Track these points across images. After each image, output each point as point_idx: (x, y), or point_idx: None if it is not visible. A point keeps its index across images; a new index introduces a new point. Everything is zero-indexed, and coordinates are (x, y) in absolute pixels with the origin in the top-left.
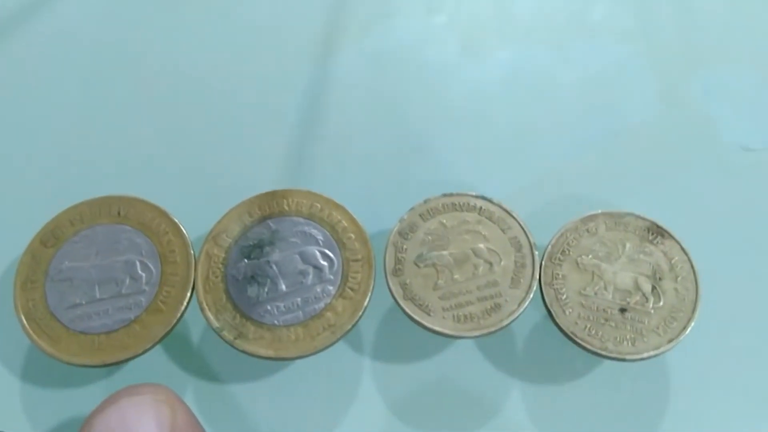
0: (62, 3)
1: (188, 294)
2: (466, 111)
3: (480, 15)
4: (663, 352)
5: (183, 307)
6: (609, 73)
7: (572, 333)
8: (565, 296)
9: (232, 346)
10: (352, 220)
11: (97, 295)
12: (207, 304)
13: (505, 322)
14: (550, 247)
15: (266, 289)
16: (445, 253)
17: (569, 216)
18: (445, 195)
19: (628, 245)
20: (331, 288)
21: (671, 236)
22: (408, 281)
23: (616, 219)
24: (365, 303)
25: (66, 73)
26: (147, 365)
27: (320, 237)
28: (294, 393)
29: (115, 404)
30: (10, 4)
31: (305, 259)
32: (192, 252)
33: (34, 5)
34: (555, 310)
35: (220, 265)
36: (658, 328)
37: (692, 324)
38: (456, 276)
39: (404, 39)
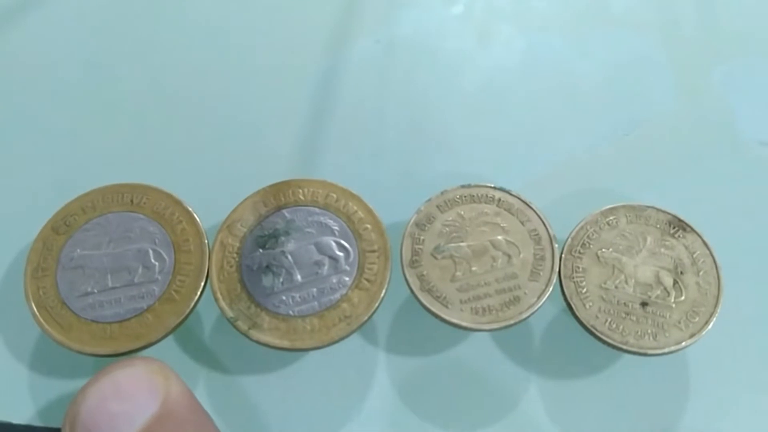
0: None
1: (202, 283)
2: (483, 101)
3: (497, 4)
4: (685, 347)
5: (197, 297)
6: (628, 65)
7: (593, 327)
8: (585, 290)
9: (246, 336)
10: (369, 211)
11: (110, 284)
12: (221, 294)
13: (525, 315)
14: (570, 239)
15: (281, 280)
16: (463, 244)
17: (588, 208)
18: (462, 186)
19: (649, 239)
20: (347, 279)
21: (693, 230)
22: (425, 273)
23: (637, 212)
24: (381, 294)
25: (80, 61)
26: (159, 355)
27: (336, 227)
28: (308, 384)
29: (109, 375)
30: None
31: (321, 249)
32: (206, 241)
33: None
34: (575, 303)
35: (235, 255)
36: (679, 322)
37: (714, 319)
38: (474, 268)
39: (421, 29)
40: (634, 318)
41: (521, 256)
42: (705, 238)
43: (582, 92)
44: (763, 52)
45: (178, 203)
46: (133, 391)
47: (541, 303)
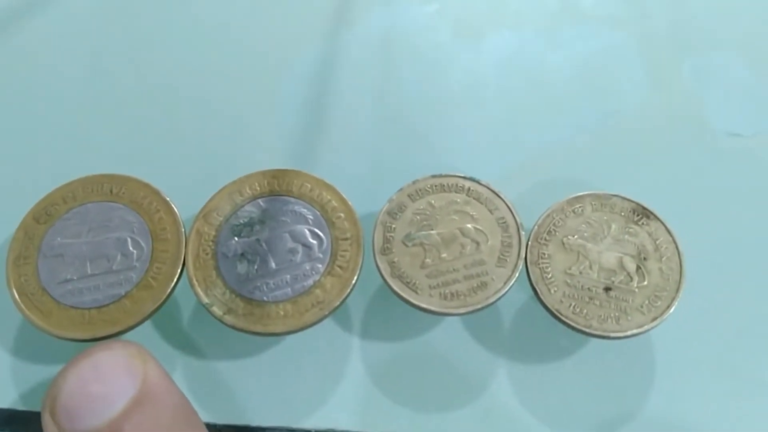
0: None
1: (178, 270)
2: (457, 94)
3: (472, 0)
4: (647, 330)
5: (173, 283)
6: (599, 59)
7: (557, 311)
8: (550, 275)
9: (221, 321)
10: (342, 200)
11: (89, 271)
12: (197, 280)
13: (491, 300)
14: (536, 227)
15: (256, 267)
16: (433, 232)
17: (557, 198)
18: (434, 176)
19: (613, 226)
20: (320, 266)
21: (656, 217)
22: (396, 260)
23: (602, 200)
24: (353, 281)
25: (62, 54)
26: (137, 340)
27: (310, 216)
28: (283, 369)
29: (89, 357)
30: None
31: (295, 237)
32: (183, 230)
33: None
34: (540, 288)
35: (211, 243)
36: (642, 306)
37: (676, 303)
38: (443, 255)
39: (398, 24)
40: (598, 302)
41: (489, 243)
42: (668, 226)
43: (554, 85)
44: (732, 45)
45: (156, 193)
46: (112, 373)
47: (507, 288)
